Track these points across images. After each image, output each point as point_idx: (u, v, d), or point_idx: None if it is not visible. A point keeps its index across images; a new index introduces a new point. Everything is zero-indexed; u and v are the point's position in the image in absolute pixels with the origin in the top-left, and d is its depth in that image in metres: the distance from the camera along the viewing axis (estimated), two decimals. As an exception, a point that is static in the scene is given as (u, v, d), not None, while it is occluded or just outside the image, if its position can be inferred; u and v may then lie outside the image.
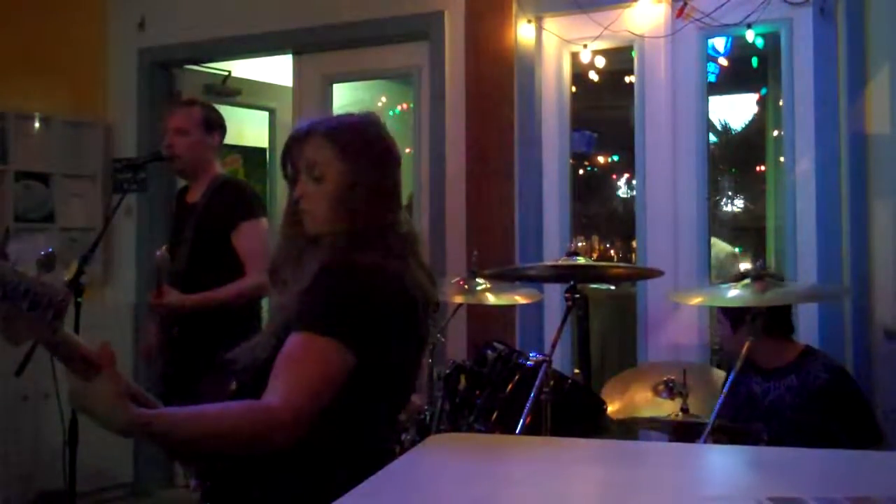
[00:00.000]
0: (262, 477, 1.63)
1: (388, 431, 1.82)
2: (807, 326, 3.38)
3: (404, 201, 1.84)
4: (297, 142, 1.77)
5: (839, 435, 2.68)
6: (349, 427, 1.65)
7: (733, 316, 2.83)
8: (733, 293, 2.56)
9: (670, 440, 2.83)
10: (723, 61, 4.68)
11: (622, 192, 7.13)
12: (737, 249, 5.71)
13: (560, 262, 2.68)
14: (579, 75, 4.09)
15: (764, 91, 5.55)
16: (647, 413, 3.00)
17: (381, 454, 1.68)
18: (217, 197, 3.21)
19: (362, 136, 1.77)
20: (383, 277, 1.66)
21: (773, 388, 2.80)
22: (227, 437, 1.51)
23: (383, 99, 5.59)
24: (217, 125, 3.33)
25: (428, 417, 2.86)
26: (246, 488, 1.65)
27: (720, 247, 5.21)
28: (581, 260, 2.66)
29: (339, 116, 1.85)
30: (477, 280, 3.13)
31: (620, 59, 4.08)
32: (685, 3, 3.64)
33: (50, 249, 1.45)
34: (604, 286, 5.09)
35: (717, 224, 6.10)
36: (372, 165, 1.74)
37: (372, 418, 1.71)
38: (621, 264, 4.97)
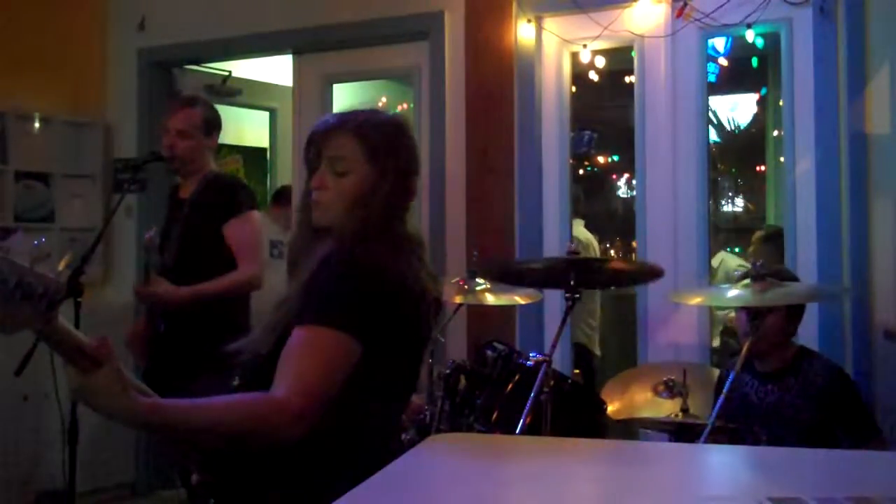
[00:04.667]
0: (264, 473, 1.63)
1: (391, 430, 1.81)
2: (807, 326, 3.37)
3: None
4: (326, 132, 1.76)
5: (839, 434, 2.69)
6: (352, 423, 1.65)
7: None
8: (733, 293, 2.56)
9: (670, 440, 2.83)
10: (723, 61, 4.69)
11: (622, 192, 7.13)
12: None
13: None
14: (579, 75, 4.09)
15: (764, 91, 5.56)
16: (647, 413, 3.00)
17: (383, 453, 1.67)
18: (207, 192, 3.22)
19: (391, 141, 1.76)
20: (385, 272, 1.66)
21: (772, 392, 2.79)
22: (232, 429, 1.51)
23: (383, 99, 5.57)
24: (215, 126, 3.35)
25: (428, 417, 2.85)
26: (248, 484, 1.65)
27: (731, 262, 4.92)
28: (581, 260, 2.66)
29: (370, 114, 1.80)
30: (477, 280, 3.13)
31: (620, 59, 4.08)
32: (685, 3, 3.63)
33: (43, 239, 1.45)
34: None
35: (717, 224, 6.08)
36: (396, 171, 1.74)
37: (375, 416, 1.71)
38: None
